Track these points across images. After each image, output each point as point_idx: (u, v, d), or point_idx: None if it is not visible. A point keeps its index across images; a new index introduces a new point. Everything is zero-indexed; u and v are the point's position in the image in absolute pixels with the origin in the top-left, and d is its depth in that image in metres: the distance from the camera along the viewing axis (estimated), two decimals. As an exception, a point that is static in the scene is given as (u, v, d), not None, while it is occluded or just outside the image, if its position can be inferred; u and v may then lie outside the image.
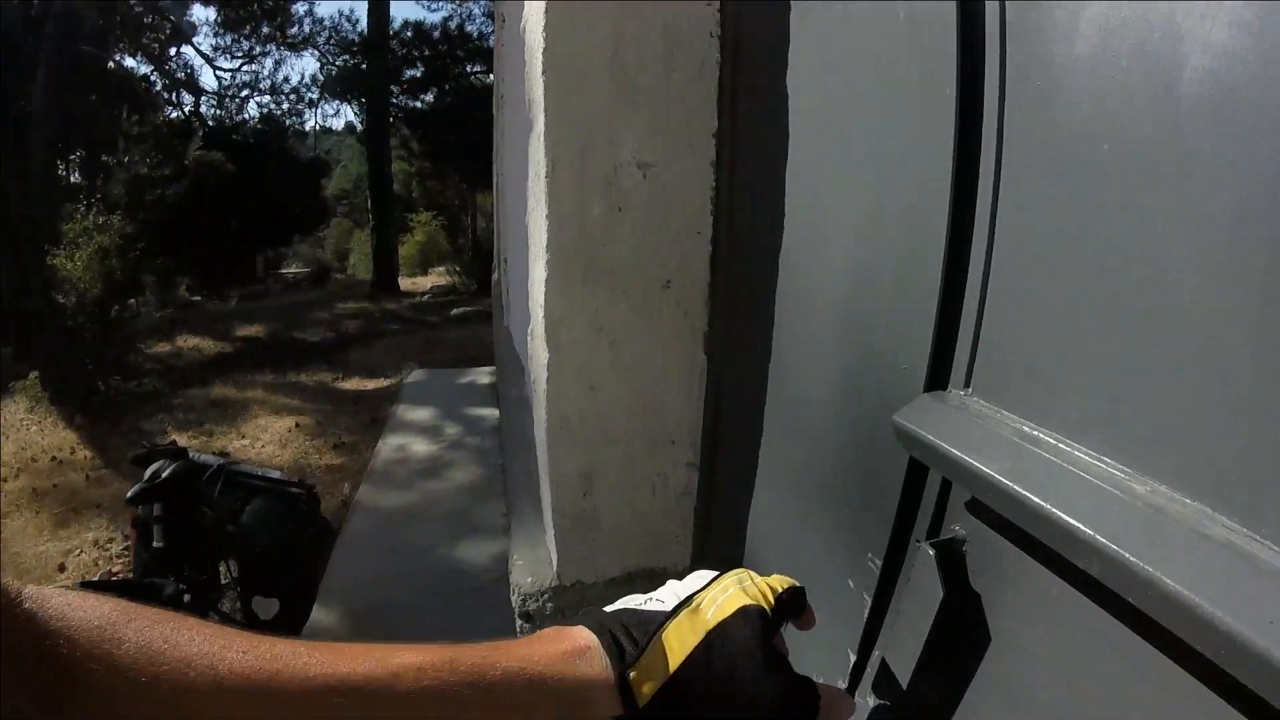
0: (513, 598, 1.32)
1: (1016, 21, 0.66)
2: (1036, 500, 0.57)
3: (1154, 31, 0.53)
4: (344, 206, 29.36)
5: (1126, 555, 0.48)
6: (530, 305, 1.26)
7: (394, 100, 14.41)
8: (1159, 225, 0.52)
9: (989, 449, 0.65)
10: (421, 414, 5.63)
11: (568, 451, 1.21)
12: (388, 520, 3.99)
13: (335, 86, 13.97)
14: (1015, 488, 0.59)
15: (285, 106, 15.52)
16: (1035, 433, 0.64)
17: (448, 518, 3.95)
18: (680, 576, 1.27)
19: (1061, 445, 0.61)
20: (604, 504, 1.25)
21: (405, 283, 14.21)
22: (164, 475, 2.44)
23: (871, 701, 0.87)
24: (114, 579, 2.45)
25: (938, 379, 0.76)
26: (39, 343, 6.75)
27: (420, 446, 4.99)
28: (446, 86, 14.49)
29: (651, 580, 1.31)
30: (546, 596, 1.25)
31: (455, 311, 10.18)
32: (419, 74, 14.29)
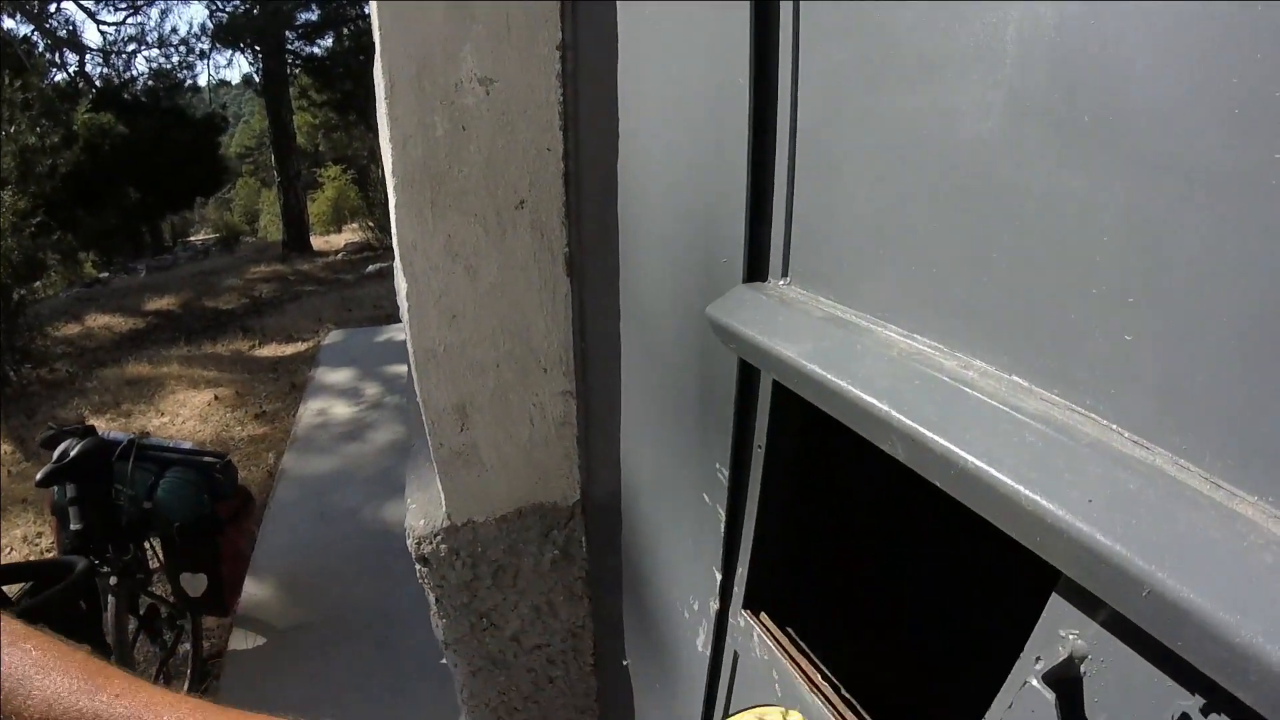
0: (408, 541, 1.31)
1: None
2: (834, 379, 0.57)
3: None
4: (249, 164, 27.69)
5: (924, 431, 0.47)
6: (393, 230, 1.21)
7: (290, 47, 13.47)
8: (955, 97, 0.50)
9: (795, 333, 0.65)
10: (340, 376, 5.48)
11: (438, 384, 1.18)
12: (313, 487, 3.91)
13: (226, 34, 12.93)
14: (814, 368, 0.60)
15: (175, 60, 14.36)
16: (846, 316, 0.65)
17: (372, 481, 3.90)
18: (570, 514, 1.27)
19: (873, 326, 0.61)
20: (483, 437, 1.24)
21: (318, 241, 13.62)
22: (72, 454, 2.31)
23: (742, 621, 0.90)
24: (23, 562, 2.32)
25: (756, 271, 0.76)
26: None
27: (341, 409, 4.87)
28: (345, 30, 13.60)
29: (544, 518, 1.32)
30: (440, 538, 1.25)
31: (371, 268, 9.84)
32: (315, 17, 13.36)
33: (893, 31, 0.55)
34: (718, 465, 0.86)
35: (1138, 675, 0.39)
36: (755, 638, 0.87)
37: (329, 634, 2.85)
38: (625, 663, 1.33)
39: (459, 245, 1.13)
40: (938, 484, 0.48)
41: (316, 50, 13.86)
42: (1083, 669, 0.43)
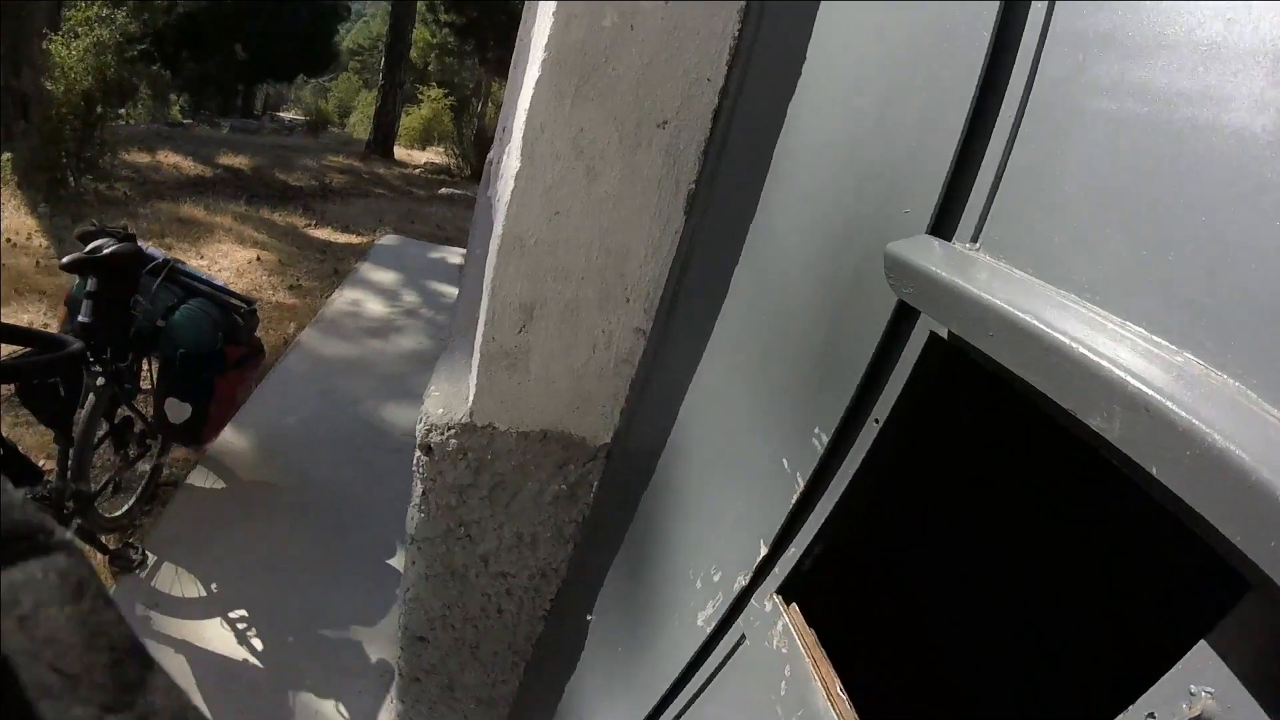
0: (417, 426, 1.25)
1: None
2: (1048, 331, 0.49)
3: None
4: (358, 61, 28.04)
5: (1162, 400, 0.39)
6: (514, 117, 1.15)
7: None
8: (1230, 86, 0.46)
9: (994, 287, 0.58)
10: (385, 276, 5.47)
11: (515, 275, 1.13)
12: (324, 366, 3.89)
13: None
14: (1025, 318, 0.51)
15: None
16: (1048, 290, 0.57)
17: (385, 379, 3.87)
18: (593, 455, 1.20)
19: (1079, 306, 0.54)
20: (539, 345, 1.18)
21: (401, 153, 13.69)
22: (105, 251, 2.29)
23: (768, 605, 0.83)
24: (22, 326, 2.29)
25: (941, 229, 0.70)
26: (19, 126, 6.41)
27: (375, 306, 4.86)
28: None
29: (566, 448, 1.25)
30: (453, 432, 1.19)
31: (444, 190, 9.86)
32: (466, -64, 13.52)
33: (1166, 8, 0.50)
34: (817, 430, 0.79)
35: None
36: (779, 627, 0.80)
37: (288, 501, 2.81)
38: (590, 617, 1.26)
39: (588, 142, 1.07)
40: (1153, 470, 0.40)
41: (458, -34, 13.99)
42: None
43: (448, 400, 1.26)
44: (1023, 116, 0.63)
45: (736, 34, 1.06)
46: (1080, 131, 0.56)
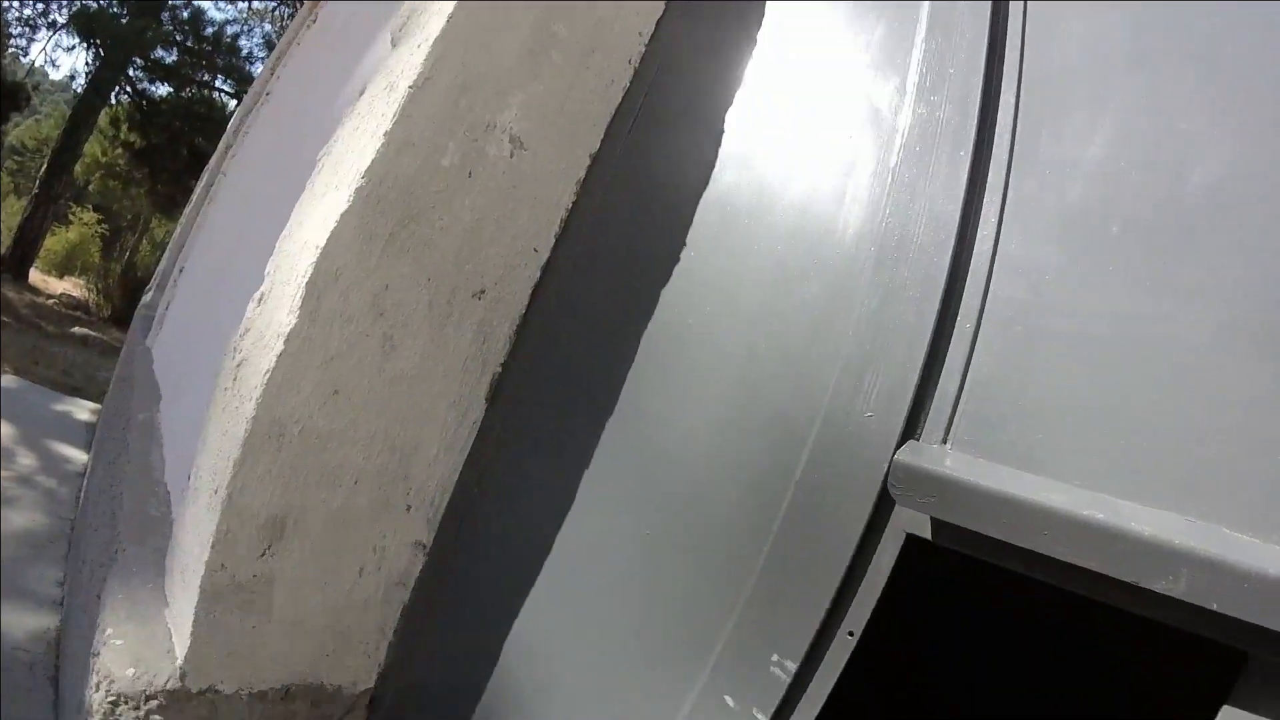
0: (90, 694, 0.79)
1: None
2: (1112, 523, 0.51)
3: None
4: (14, 163, 23.08)
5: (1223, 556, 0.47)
6: (279, 256, 0.88)
7: (131, 72, 12.14)
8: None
9: (1032, 486, 0.56)
10: (-5, 431, 4.08)
11: (264, 477, 0.80)
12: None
13: (83, 21, 11.35)
14: (1092, 514, 0.52)
15: (21, 13, 12.10)
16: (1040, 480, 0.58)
17: (-22, 573, 2.71)
18: (350, 705, 0.89)
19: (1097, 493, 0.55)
20: (288, 573, 0.84)
21: (36, 277, 11.19)
22: None
23: None
24: None
25: (910, 429, 0.63)
26: None
27: (-27, 471, 3.53)
28: (188, 92, 12.69)
29: (316, 704, 0.89)
30: (155, 705, 0.76)
31: (77, 330, 8.16)
32: (170, 60, 12.36)
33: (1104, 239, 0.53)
34: (776, 656, 0.62)
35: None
36: None
37: None
38: None
39: (391, 304, 0.85)
40: (1213, 606, 0.46)
41: (153, 90, 12.68)
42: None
43: (139, 653, 0.82)
44: (981, 322, 0.62)
45: (570, 206, 0.96)
46: (1045, 341, 0.58)
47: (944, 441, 0.60)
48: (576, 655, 0.79)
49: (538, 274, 0.95)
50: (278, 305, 0.81)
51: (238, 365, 0.83)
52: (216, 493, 0.79)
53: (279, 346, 0.79)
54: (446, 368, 0.91)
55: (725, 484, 0.73)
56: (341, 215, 0.78)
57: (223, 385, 0.85)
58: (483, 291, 0.91)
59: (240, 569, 0.80)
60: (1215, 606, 0.47)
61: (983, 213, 0.65)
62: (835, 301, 0.71)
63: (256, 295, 0.86)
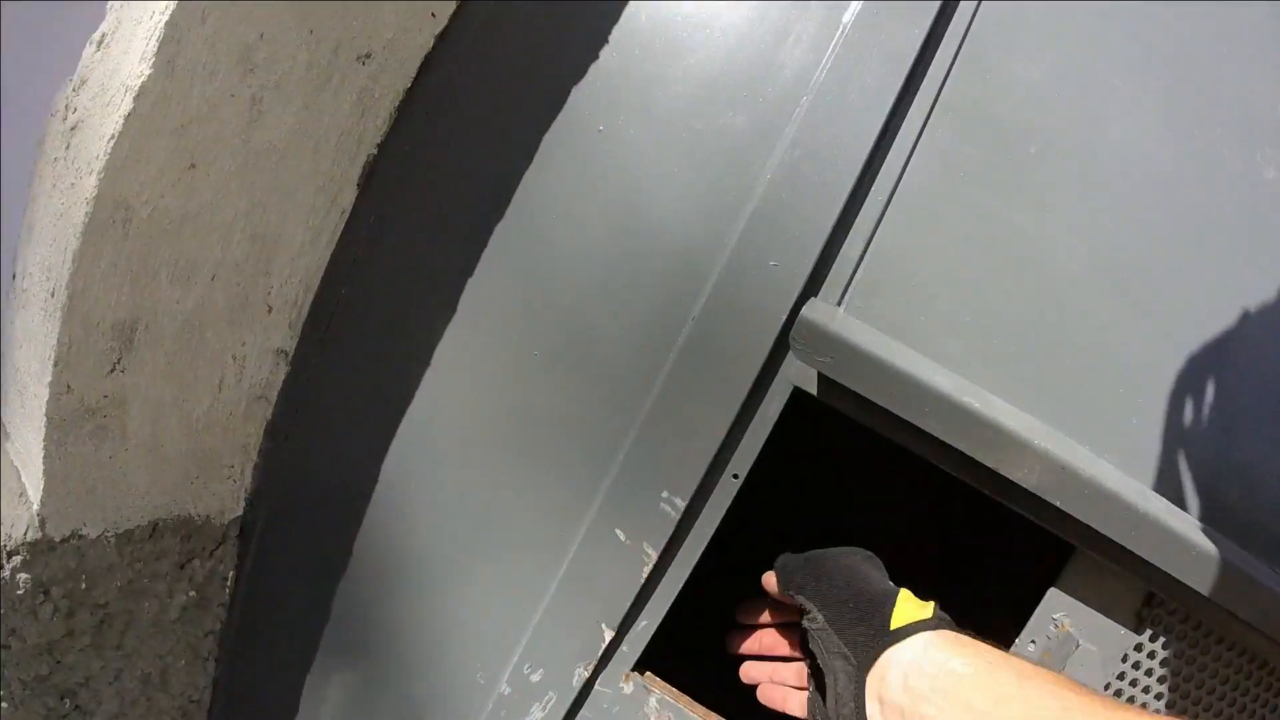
0: None
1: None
2: (981, 411, 0.63)
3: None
4: None
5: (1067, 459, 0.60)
6: None
7: None
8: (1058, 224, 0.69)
9: (914, 361, 0.66)
10: None
11: (108, 274, 0.62)
12: None
13: None
14: (968, 400, 0.63)
15: None
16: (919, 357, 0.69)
17: None
18: (221, 538, 0.88)
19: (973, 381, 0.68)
20: (141, 390, 0.69)
21: None
22: None
23: (628, 687, 0.74)
24: None
25: (811, 289, 0.72)
26: None
27: None
28: None
29: (186, 540, 0.79)
30: (19, 560, 0.61)
31: None
32: None
33: (1020, 155, 0.68)
34: (666, 494, 0.71)
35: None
36: (653, 704, 0.73)
37: None
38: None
39: (264, 59, 0.66)
40: (1057, 502, 0.61)
41: None
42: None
43: None
44: (893, 198, 0.71)
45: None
46: (938, 222, 0.69)
47: (838, 303, 0.69)
48: (456, 485, 0.79)
49: (430, 43, 0.80)
50: (126, 50, 0.57)
51: (71, 129, 0.59)
52: (54, 295, 0.59)
53: (127, 104, 0.57)
54: (319, 142, 0.76)
55: (621, 311, 0.73)
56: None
57: (52, 155, 0.60)
58: (369, 55, 0.75)
59: (89, 390, 0.64)
60: (1059, 503, 0.60)
61: (919, 92, 0.70)
62: (759, 140, 0.72)
63: (95, 37, 0.59)
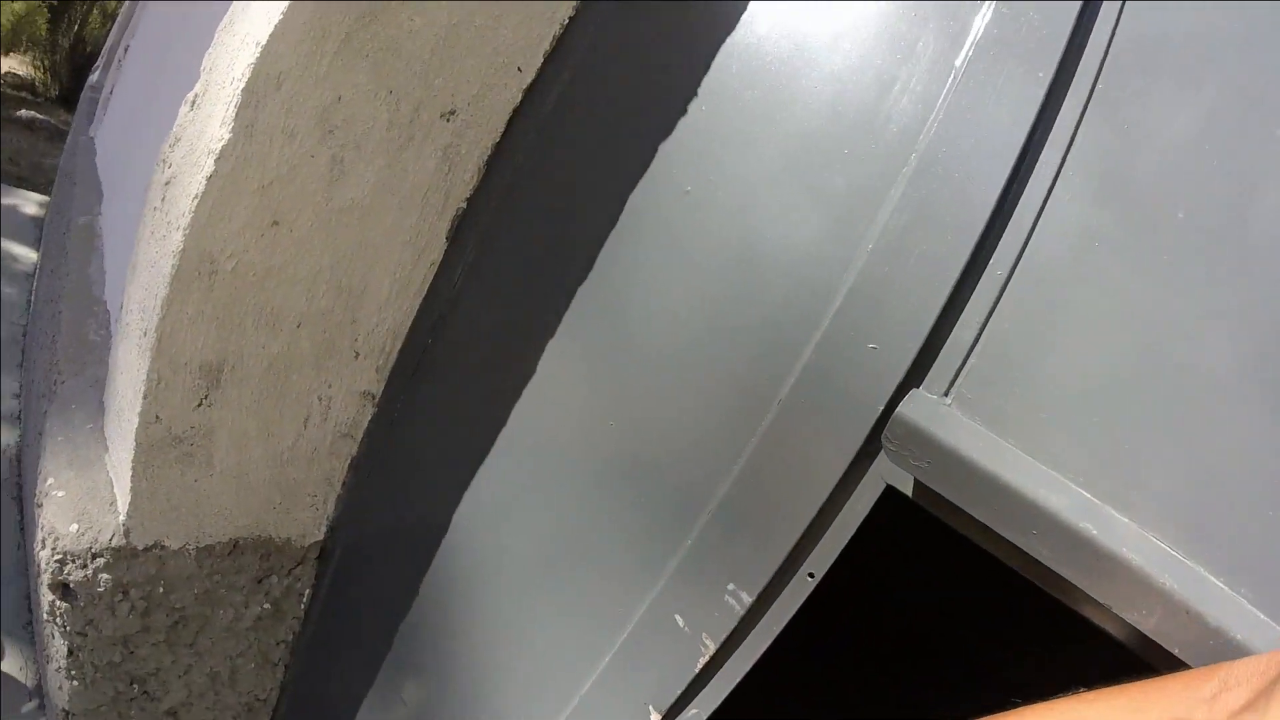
0: (39, 550, 0.73)
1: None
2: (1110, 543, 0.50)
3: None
4: None
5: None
6: (216, 50, 0.68)
7: None
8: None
9: (1038, 479, 0.54)
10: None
11: (196, 319, 0.69)
12: None
13: None
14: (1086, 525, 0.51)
15: None
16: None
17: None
18: (300, 559, 0.85)
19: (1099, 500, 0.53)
20: (228, 424, 0.77)
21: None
22: None
23: None
24: None
25: (914, 375, 0.61)
26: None
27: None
28: None
29: (265, 559, 0.87)
30: (102, 562, 0.71)
31: (24, 113, 6.44)
32: None
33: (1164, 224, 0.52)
34: (732, 586, 0.64)
35: None
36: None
37: None
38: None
39: (343, 120, 0.69)
40: (1175, 651, 0.47)
41: None
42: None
43: (82, 506, 0.75)
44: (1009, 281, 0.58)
45: (567, 20, 0.79)
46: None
47: (945, 395, 0.58)
48: (525, 536, 0.77)
49: (519, 98, 0.80)
50: (210, 114, 0.63)
51: (166, 183, 0.67)
52: (145, 335, 0.67)
53: (209, 166, 0.63)
54: (404, 199, 0.79)
55: (702, 387, 0.67)
56: (289, 5, 0.60)
57: (151, 204, 0.69)
58: (453, 112, 0.77)
59: (176, 421, 0.71)
60: (1177, 652, 0.48)
61: (1044, 153, 0.59)
62: (860, 203, 0.63)
63: (189, 97, 0.67)
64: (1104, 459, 0.54)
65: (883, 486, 0.59)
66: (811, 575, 0.62)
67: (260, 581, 0.85)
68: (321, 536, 0.90)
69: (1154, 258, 0.54)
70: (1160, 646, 0.48)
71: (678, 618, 0.66)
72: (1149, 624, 0.49)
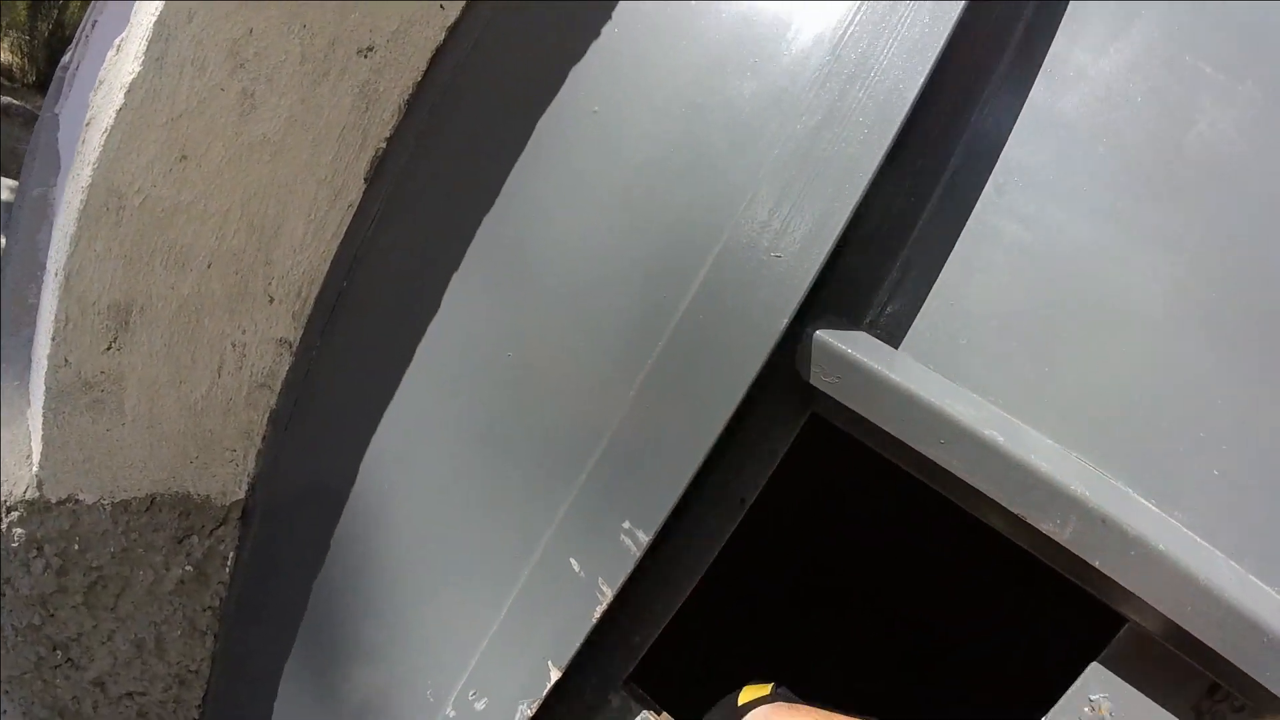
0: None
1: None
2: (1016, 452, 0.52)
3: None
4: None
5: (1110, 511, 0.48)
6: None
7: None
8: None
9: (945, 396, 0.55)
10: None
11: (104, 256, 0.66)
12: None
13: None
14: (992, 434, 0.52)
15: None
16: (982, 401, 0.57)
17: None
18: (221, 518, 0.81)
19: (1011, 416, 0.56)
20: (138, 369, 0.73)
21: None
22: None
23: (615, 702, 0.69)
24: None
25: (841, 304, 0.62)
26: None
27: None
28: None
29: (184, 517, 0.83)
30: (17, 515, 0.66)
31: (1, 99, 5.63)
32: None
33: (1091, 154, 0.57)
34: (627, 524, 0.63)
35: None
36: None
37: None
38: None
39: (254, 53, 0.68)
40: (1095, 563, 0.48)
41: None
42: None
43: (5, 461, 0.68)
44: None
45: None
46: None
47: (855, 316, 0.60)
48: (424, 484, 0.75)
49: (441, 36, 0.80)
50: (128, 53, 0.60)
51: (86, 124, 0.63)
52: (56, 275, 0.63)
53: (119, 99, 0.60)
54: (318, 136, 0.77)
55: (598, 311, 0.65)
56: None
57: (77, 150, 0.64)
58: (370, 49, 0.76)
59: (85, 364, 0.68)
60: (1098, 564, 0.47)
61: (967, 69, 0.58)
62: (769, 108, 0.61)
63: (116, 41, 0.63)
64: (1024, 382, 0.55)
65: (808, 414, 0.60)
66: (743, 500, 0.62)
67: (180, 542, 0.82)
68: (242, 495, 0.87)
69: (1070, 191, 0.56)
70: (1082, 559, 0.48)
71: (572, 561, 0.64)
72: (1063, 534, 0.49)
